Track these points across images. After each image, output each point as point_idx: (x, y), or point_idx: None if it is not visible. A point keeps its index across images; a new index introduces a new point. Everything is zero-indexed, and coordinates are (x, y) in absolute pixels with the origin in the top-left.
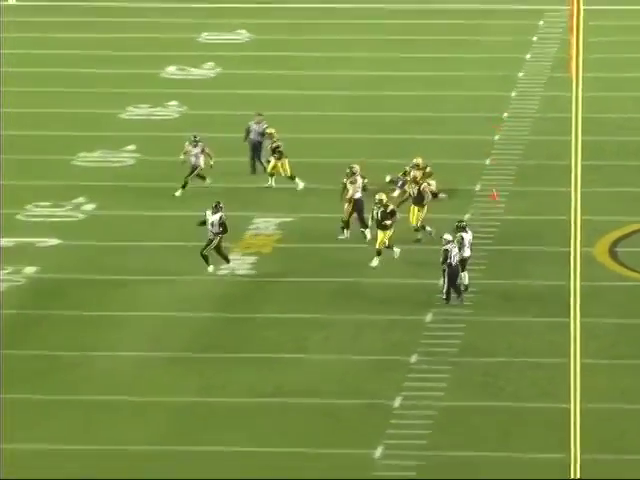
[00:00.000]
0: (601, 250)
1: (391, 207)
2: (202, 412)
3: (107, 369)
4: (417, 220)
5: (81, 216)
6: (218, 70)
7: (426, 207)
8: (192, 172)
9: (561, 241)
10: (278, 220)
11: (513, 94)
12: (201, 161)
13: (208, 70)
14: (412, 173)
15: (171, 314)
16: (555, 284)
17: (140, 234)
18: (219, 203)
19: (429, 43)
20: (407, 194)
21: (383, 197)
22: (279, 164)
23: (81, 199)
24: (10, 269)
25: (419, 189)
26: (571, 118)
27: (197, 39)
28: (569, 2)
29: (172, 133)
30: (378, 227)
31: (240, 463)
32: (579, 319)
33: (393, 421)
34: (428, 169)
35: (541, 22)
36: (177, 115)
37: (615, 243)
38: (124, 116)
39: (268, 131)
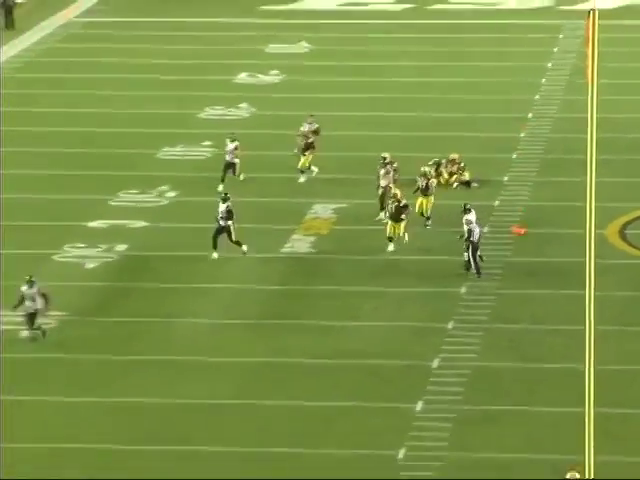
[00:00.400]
0: (612, 232)
1: (404, 202)
2: (269, 371)
3: (187, 334)
4: (427, 209)
5: (165, 202)
6: (282, 77)
7: (432, 197)
8: (227, 168)
9: (577, 224)
10: (334, 206)
11: (536, 97)
12: (234, 157)
13: (274, 77)
14: (447, 167)
15: (242, 286)
16: (572, 261)
17: (212, 216)
18: (227, 194)
19: (465, 54)
20: (417, 186)
21: (397, 192)
22: (308, 159)
23: (165, 187)
24: (104, 247)
25: (427, 183)
26: (587, 118)
27: (265, 50)
28: (585, 17)
29: (243, 130)
30: (392, 219)
31: (301, 414)
32: (593, 292)
33: (432, 379)
34: (462, 164)
35: (561, 35)
36: (247, 115)
37: (624, 226)
38: (202, 116)
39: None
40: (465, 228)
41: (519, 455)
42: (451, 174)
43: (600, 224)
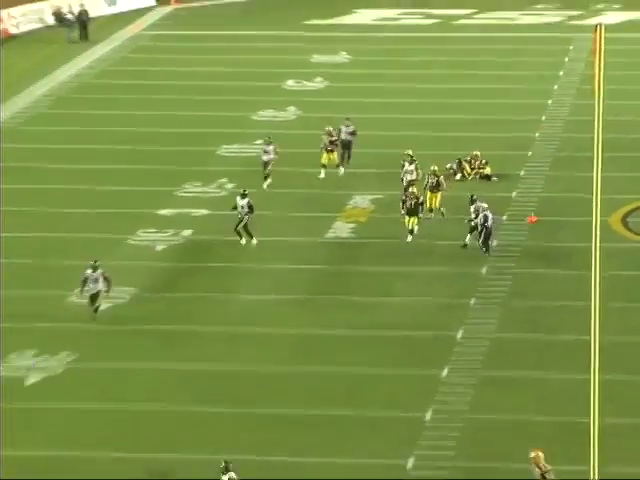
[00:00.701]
0: (615, 220)
1: (421, 199)
2: (314, 342)
3: (243, 308)
4: (436, 203)
5: (224, 192)
6: (326, 83)
7: (440, 194)
8: (266, 167)
9: (585, 213)
10: (371, 197)
11: (549, 102)
12: (271, 158)
13: (318, 83)
14: (470, 162)
15: (292, 267)
16: (580, 246)
17: (265, 206)
18: (245, 190)
19: (486, 63)
20: (426, 182)
21: (415, 190)
22: (331, 156)
23: (223, 180)
24: (171, 232)
25: (437, 180)
26: (594, 120)
27: (310, 60)
28: (593, 30)
29: (290, 131)
30: (408, 214)
31: (345, 379)
32: (599, 272)
33: (456, 349)
34: (483, 160)
35: (571, 47)
36: (294, 117)
37: (626, 215)
38: (255, 118)
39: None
40: (480, 215)
41: (532, 417)
42: (473, 169)
43: (605, 213)
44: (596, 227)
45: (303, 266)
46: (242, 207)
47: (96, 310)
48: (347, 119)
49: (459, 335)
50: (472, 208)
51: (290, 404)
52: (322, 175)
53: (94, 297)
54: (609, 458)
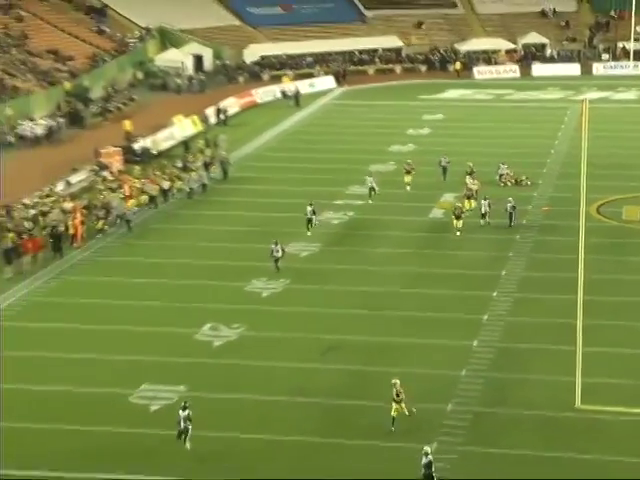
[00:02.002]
0: (593, 209)
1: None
2: (418, 276)
3: (382, 259)
4: (471, 207)
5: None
6: (430, 131)
7: (473, 200)
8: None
9: (576, 205)
10: (456, 194)
11: (556, 142)
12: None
13: (425, 130)
14: (509, 174)
15: (408, 234)
16: (572, 224)
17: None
18: (312, 201)
19: (520, 118)
20: (465, 194)
21: (460, 204)
22: (408, 177)
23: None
24: (341, 213)
25: (472, 193)
26: (582, 151)
27: (421, 117)
28: (581, 102)
29: (413, 157)
30: (456, 217)
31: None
32: (583, 240)
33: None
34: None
35: (568, 111)
36: (412, 149)
37: (599, 206)
38: (388, 149)
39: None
40: (509, 205)
41: None
42: (510, 177)
43: (587, 205)
44: (582, 214)
45: (413, 234)
46: (309, 213)
47: (278, 269)
48: (444, 155)
49: (502, 273)
50: (486, 202)
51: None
52: (408, 189)
53: (277, 261)
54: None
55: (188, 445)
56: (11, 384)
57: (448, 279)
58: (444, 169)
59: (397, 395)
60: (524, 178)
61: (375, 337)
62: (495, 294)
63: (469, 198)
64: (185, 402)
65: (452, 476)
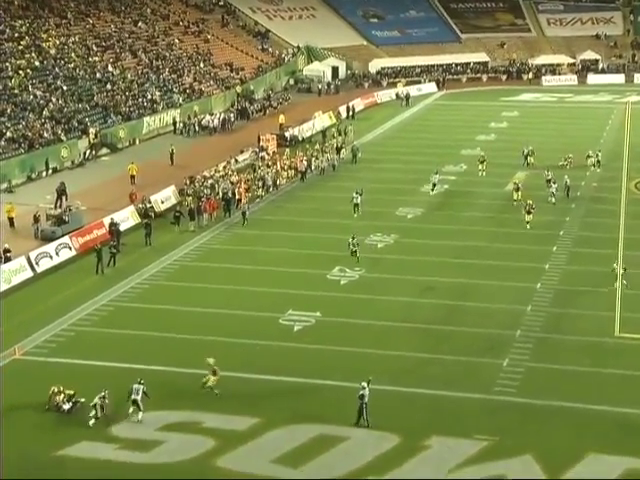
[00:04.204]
0: (631, 185)
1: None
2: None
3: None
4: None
5: (455, 178)
6: (507, 124)
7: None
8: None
9: (619, 181)
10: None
11: (605, 134)
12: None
13: (504, 124)
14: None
15: (487, 201)
16: (614, 197)
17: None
18: (361, 189)
19: (577, 115)
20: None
21: (530, 201)
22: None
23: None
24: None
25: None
26: (624, 143)
27: (501, 114)
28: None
29: (491, 145)
30: (527, 212)
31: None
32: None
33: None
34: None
35: (615, 110)
36: (493, 138)
37: (637, 183)
38: (475, 138)
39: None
40: (567, 182)
41: None
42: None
43: (628, 182)
44: (623, 188)
45: (495, 202)
46: (354, 198)
47: (356, 256)
48: (527, 145)
49: (554, 249)
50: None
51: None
52: (482, 174)
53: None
54: None
55: (140, 417)
56: (195, 307)
57: (519, 237)
58: (525, 155)
59: None
60: (591, 158)
61: (461, 279)
62: (555, 249)
63: (517, 190)
64: (140, 379)
65: (519, 384)
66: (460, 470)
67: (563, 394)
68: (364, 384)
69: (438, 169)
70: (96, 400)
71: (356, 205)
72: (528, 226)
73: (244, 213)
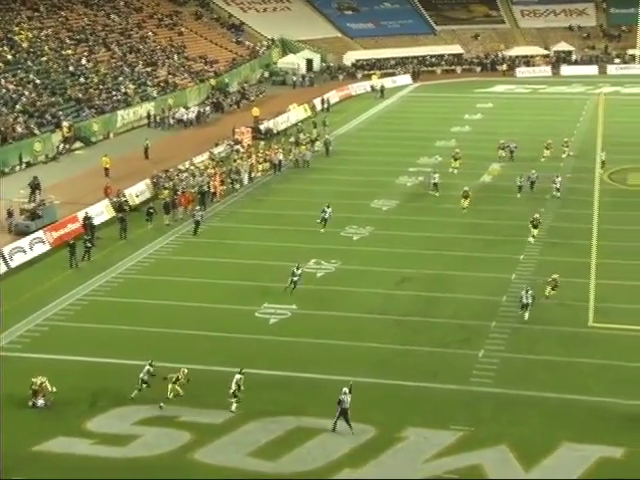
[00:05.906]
0: (605, 176)
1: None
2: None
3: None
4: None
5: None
6: (481, 116)
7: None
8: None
9: (592, 171)
10: (499, 165)
11: (578, 124)
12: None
13: (478, 115)
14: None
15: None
16: (587, 187)
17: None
18: (328, 203)
19: (551, 106)
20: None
21: (537, 215)
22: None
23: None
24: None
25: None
26: (597, 129)
27: (475, 106)
28: (598, 94)
29: (466, 136)
30: (534, 227)
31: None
32: (597, 199)
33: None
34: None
35: (588, 101)
36: (468, 130)
37: (610, 174)
38: (450, 129)
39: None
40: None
41: None
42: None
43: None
44: (595, 178)
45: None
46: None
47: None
48: (512, 140)
49: (535, 233)
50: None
51: None
52: (455, 172)
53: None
54: None
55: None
56: (170, 301)
57: (493, 228)
58: (511, 150)
59: None
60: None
61: (437, 271)
62: (530, 239)
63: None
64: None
65: (495, 375)
66: (436, 460)
67: (538, 384)
68: (345, 389)
69: (437, 169)
70: (145, 371)
71: (324, 219)
72: (532, 240)
73: (197, 222)
